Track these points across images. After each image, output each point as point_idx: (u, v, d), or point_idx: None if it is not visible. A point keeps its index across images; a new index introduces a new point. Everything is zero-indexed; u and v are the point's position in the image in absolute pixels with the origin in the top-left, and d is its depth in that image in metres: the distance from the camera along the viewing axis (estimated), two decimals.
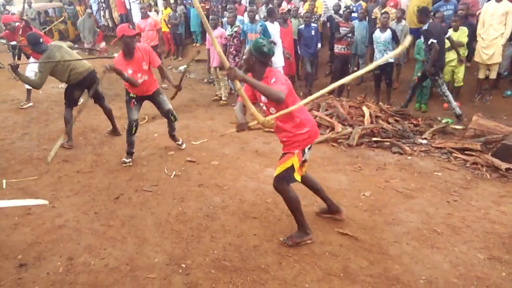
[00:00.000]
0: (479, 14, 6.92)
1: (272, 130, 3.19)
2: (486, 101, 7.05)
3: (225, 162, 4.92)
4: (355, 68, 8.71)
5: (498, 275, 2.92)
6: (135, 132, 4.90)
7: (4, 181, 4.45)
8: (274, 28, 7.13)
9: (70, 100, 5.43)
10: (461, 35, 6.67)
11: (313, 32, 7.83)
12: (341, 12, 7.98)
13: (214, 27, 7.63)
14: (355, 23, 7.87)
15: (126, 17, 14.37)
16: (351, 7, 8.33)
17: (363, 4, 8.61)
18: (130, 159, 4.92)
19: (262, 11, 9.22)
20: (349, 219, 3.67)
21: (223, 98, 7.92)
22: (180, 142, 5.39)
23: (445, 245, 3.26)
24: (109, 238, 3.44)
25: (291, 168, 3.12)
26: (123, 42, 4.56)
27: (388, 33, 7.06)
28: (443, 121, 6.50)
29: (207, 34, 7.96)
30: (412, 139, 5.60)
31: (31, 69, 6.87)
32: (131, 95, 4.80)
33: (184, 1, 12.08)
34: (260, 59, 3.05)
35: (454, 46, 6.52)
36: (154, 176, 4.59)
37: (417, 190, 4.21)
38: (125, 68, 4.55)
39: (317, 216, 3.72)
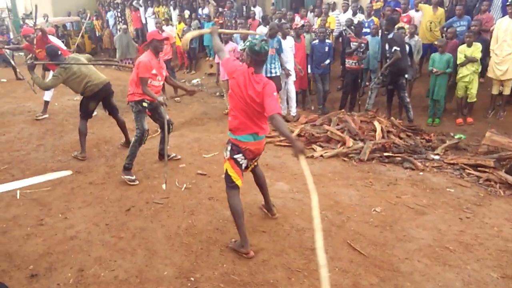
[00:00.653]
0: (493, 29, 6.90)
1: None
2: (500, 117, 6.97)
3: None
4: (367, 83, 8.73)
5: None
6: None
7: (18, 191, 4.53)
8: (286, 44, 7.22)
9: (85, 112, 5.54)
10: (474, 50, 6.64)
11: (327, 49, 7.81)
12: (352, 27, 8.02)
13: (226, 42, 7.74)
14: (368, 38, 7.91)
15: (142, 32, 14.67)
16: (363, 23, 8.38)
17: (375, 19, 8.65)
18: (134, 176, 4.83)
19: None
20: (360, 235, 3.64)
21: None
22: (173, 154, 5.45)
23: (457, 263, 3.21)
24: (120, 250, 3.47)
25: (227, 173, 3.40)
26: (153, 46, 4.69)
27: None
28: (456, 136, 6.44)
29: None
30: (424, 155, 5.55)
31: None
32: (145, 104, 4.77)
33: (199, 16, 12.29)
34: (254, 58, 3.23)
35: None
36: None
37: (429, 207, 4.16)
38: (151, 68, 4.65)
39: (326, 232, 3.69)
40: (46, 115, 7.50)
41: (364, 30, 8.21)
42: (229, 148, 3.40)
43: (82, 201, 4.37)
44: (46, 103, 7.49)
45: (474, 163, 5.11)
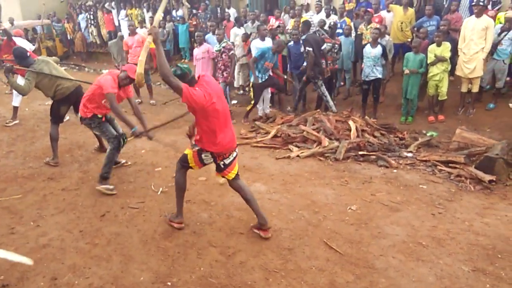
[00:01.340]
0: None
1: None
2: (469, 114, 7.18)
3: (213, 178, 4.90)
4: (342, 83, 8.85)
5: (482, 287, 2.95)
6: (123, 145, 4.78)
7: None
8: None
9: (56, 117, 5.40)
10: (444, 50, 6.82)
11: (302, 49, 7.92)
12: (326, 28, 8.12)
13: (200, 43, 7.73)
14: (341, 38, 8.03)
15: (115, 34, 14.43)
16: (336, 23, 8.49)
17: (348, 20, 8.77)
18: (113, 186, 4.62)
19: (249, 27, 9.36)
20: (336, 233, 3.68)
21: None
22: (123, 161, 5.35)
23: (430, 258, 3.29)
24: (94, 257, 3.40)
25: (184, 155, 3.64)
26: (127, 82, 4.59)
27: (378, 48, 7.20)
28: (428, 134, 6.60)
29: (194, 50, 8.05)
30: (398, 153, 5.67)
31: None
32: (99, 116, 4.66)
33: (173, 18, 12.19)
34: (181, 79, 3.23)
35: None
36: (141, 192, 4.57)
37: (402, 203, 4.25)
38: (114, 87, 4.48)
39: (303, 231, 3.72)
40: (17, 121, 7.29)
41: (337, 30, 8.32)
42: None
43: (55, 208, 4.27)
44: (15, 108, 7.28)
45: (445, 159, 5.25)
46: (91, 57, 15.06)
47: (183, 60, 12.23)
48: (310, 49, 7.11)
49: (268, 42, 7.48)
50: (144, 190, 4.61)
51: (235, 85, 9.31)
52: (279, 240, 3.60)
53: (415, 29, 7.90)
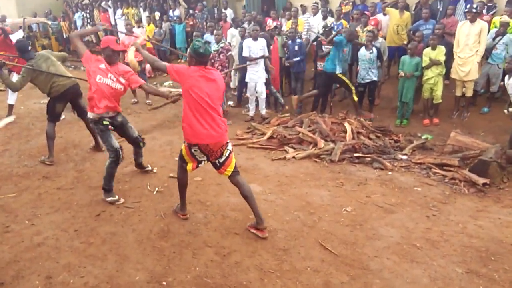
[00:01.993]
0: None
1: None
2: (464, 117, 7.24)
3: (208, 178, 4.92)
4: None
5: None
6: (122, 161, 4.45)
7: None
8: (257, 45, 7.36)
9: (53, 115, 5.39)
10: (438, 53, 6.88)
11: (296, 48, 8.06)
12: (323, 29, 8.17)
13: None
14: None
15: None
16: (333, 26, 8.52)
17: (344, 23, 8.81)
18: (117, 196, 4.37)
19: (246, 28, 9.36)
20: (331, 234, 3.70)
21: None
22: (150, 168, 5.07)
23: (424, 260, 3.31)
24: (89, 256, 3.40)
25: (181, 151, 3.70)
26: (106, 55, 4.19)
27: (373, 51, 7.25)
28: (423, 137, 6.64)
29: None
30: (393, 155, 5.71)
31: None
32: (105, 122, 4.25)
33: (170, 18, 12.19)
34: (198, 59, 3.39)
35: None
36: (136, 192, 4.56)
37: (397, 205, 4.28)
38: (98, 63, 4.16)
39: (298, 232, 3.74)
40: (13, 117, 7.25)
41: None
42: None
43: (50, 206, 4.25)
44: (11, 107, 7.25)
45: (440, 162, 5.29)
46: None
47: (179, 60, 12.23)
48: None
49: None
50: (140, 190, 4.60)
51: (231, 85, 9.33)
52: (274, 240, 3.61)
53: (411, 32, 7.95)
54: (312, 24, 9.39)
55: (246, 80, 7.73)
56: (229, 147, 3.65)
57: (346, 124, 6.43)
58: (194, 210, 4.14)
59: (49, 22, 14.83)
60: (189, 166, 3.67)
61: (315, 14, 9.51)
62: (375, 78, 7.39)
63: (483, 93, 7.49)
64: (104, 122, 4.25)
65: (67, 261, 3.32)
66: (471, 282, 3.05)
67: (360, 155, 5.66)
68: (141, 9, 12.96)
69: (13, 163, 5.43)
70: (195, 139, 3.48)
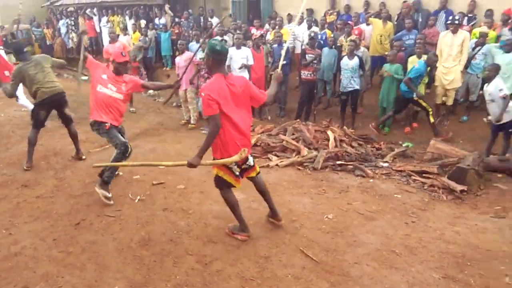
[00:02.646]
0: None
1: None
2: (444, 125, 7.39)
3: (191, 186, 4.91)
4: (322, 94, 8.98)
5: None
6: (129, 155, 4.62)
7: None
8: (239, 54, 7.45)
9: (37, 121, 5.37)
10: None
11: (283, 52, 8.14)
12: (306, 39, 8.30)
13: (182, 51, 7.80)
14: (325, 50, 8.17)
15: (96, 41, 14.33)
16: (316, 35, 8.65)
17: (328, 32, 8.94)
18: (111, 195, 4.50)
19: (230, 37, 9.43)
20: (312, 241, 3.72)
21: (191, 122, 7.98)
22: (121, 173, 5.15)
23: (403, 266, 3.36)
24: (68, 265, 3.36)
25: (217, 176, 3.55)
26: (113, 67, 4.58)
27: (355, 60, 7.37)
28: (404, 145, 6.76)
29: (176, 58, 8.10)
30: (374, 163, 5.78)
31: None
32: (107, 124, 4.45)
33: (155, 26, 12.18)
34: (215, 57, 3.31)
35: None
36: (118, 200, 4.52)
37: (378, 212, 4.32)
38: (102, 71, 4.54)
39: (280, 239, 3.75)
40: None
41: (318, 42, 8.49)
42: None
43: (29, 215, 4.19)
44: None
45: (419, 169, 5.38)
46: (70, 63, 14.74)
47: (164, 68, 12.22)
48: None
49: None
50: (122, 198, 4.56)
51: None
52: (256, 248, 3.62)
53: (393, 42, 8.11)
54: (297, 33, 9.49)
55: None
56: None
57: (329, 132, 6.50)
58: (176, 218, 4.12)
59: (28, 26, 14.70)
60: (235, 183, 3.59)
61: (300, 23, 9.63)
62: (357, 87, 7.50)
63: (463, 102, 7.66)
64: (106, 124, 4.46)
65: (45, 271, 3.28)
66: (447, 287, 3.10)
67: (343, 162, 5.72)
68: (127, 17, 12.93)
69: None
70: (237, 151, 3.40)
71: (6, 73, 6.99)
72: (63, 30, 14.68)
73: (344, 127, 7.20)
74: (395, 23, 8.91)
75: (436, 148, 5.80)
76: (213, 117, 3.20)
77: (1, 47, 8.18)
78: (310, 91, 8.09)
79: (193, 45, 8.70)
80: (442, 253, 3.52)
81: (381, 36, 8.55)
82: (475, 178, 4.95)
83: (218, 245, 3.67)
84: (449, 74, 7.14)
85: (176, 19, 12.12)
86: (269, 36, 9.45)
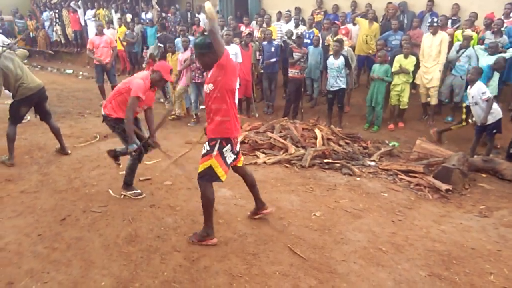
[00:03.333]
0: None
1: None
2: (429, 126, 7.50)
3: (178, 183, 4.88)
4: (307, 92, 9.01)
5: None
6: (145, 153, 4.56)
7: None
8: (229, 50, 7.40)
9: (15, 117, 5.22)
10: (409, 62, 7.19)
11: (273, 49, 8.25)
12: (294, 38, 8.30)
13: (186, 48, 7.90)
14: (310, 48, 8.20)
15: (81, 34, 14.10)
16: (304, 34, 8.68)
17: (316, 31, 8.97)
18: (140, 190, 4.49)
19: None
20: (300, 239, 3.74)
21: (176, 114, 8.07)
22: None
23: (389, 263, 3.39)
24: (53, 262, 3.29)
25: (210, 168, 3.42)
26: (155, 78, 4.21)
27: (341, 59, 7.41)
28: (390, 144, 6.83)
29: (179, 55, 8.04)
30: (361, 161, 5.83)
31: None
32: None
33: (141, 21, 12.05)
34: (209, 51, 3.25)
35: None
36: (104, 196, 4.46)
37: (364, 210, 4.37)
38: (144, 93, 4.13)
39: (268, 237, 3.75)
40: None
41: (305, 41, 8.51)
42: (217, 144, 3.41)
43: (12, 210, 4.10)
44: None
45: (406, 169, 5.45)
46: (54, 56, 14.59)
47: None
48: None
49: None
50: (107, 194, 4.51)
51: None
52: (244, 245, 3.61)
53: (377, 41, 8.21)
54: (284, 32, 9.50)
55: None
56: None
57: (317, 131, 6.53)
58: (164, 214, 4.09)
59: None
60: (222, 176, 3.46)
61: (287, 22, 9.64)
62: (343, 86, 7.55)
63: (447, 103, 7.79)
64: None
65: (29, 267, 3.21)
66: (433, 285, 3.14)
67: (330, 161, 5.76)
68: (113, 11, 12.76)
69: None
70: (237, 132, 3.47)
71: None
72: (47, 23, 14.43)
73: (332, 125, 7.25)
74: (380, 24, 9.00)
75: (422, 148, 5.88)
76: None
77: None
78: (297, 89, 8.11)
79: (179, 41, 8.63)
80: (428, 251, 3.57)
81: (367, 36, 8.64)
82: (460, 178, 5.04)
83: None
84: (428, 74, 7.41)
85: (163, 14, 12.00)
86: (257, 34, 9.43)
